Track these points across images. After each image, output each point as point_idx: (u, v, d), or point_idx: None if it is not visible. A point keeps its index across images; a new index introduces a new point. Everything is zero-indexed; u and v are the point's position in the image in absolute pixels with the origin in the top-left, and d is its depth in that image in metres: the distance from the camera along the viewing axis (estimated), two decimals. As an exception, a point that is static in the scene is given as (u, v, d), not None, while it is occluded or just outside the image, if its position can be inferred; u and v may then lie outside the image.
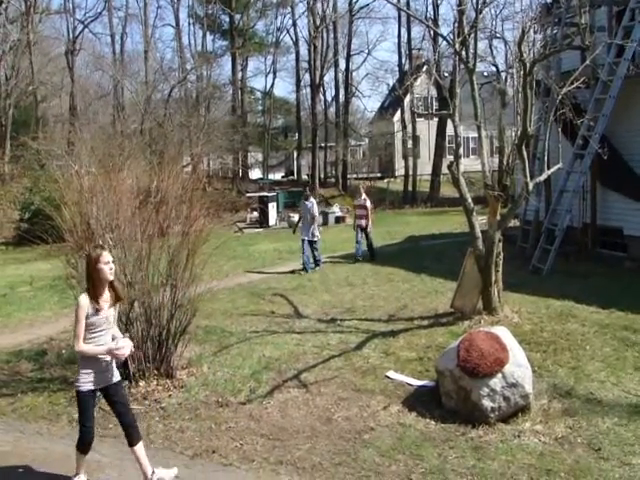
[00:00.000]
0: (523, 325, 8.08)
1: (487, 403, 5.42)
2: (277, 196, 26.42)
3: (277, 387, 6.37)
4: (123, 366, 6.46)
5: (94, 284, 4.42)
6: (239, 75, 38.79)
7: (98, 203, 7.07)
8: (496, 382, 5.47)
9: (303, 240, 13.04)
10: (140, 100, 31.58)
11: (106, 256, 4.46)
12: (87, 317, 4.36)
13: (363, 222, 14.07)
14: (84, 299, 4.38)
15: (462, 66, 9.91)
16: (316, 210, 13.45)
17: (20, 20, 33.47)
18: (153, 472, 4.54)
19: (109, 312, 4.50)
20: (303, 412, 5.80)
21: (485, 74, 32.05)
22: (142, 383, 6.34)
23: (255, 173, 42.73)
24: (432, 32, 22.97)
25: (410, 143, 36.07)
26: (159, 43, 56.39)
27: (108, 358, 4.49)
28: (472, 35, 9.20)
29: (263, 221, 24.32)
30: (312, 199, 13.74)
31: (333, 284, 11.55)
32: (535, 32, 15.29)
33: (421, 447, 5.04)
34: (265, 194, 26.09)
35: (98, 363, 4.45)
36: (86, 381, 4.43)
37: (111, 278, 4.48)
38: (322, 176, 37.83)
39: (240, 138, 33.03)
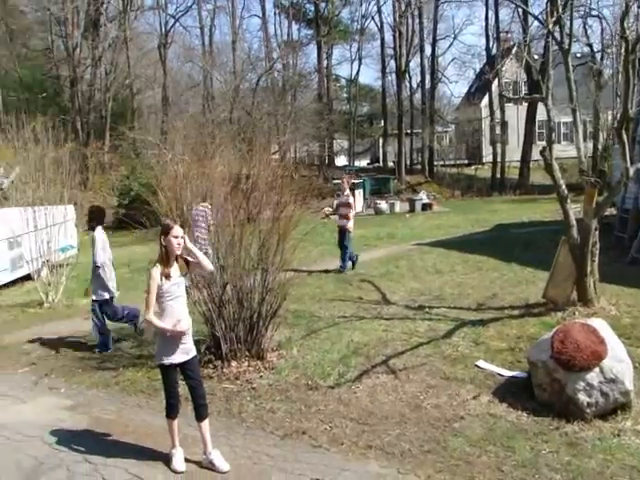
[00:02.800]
0: (622, 318, 7.71)
1: (583, 398, 5.22)
2: (363, 183, 26.41)
3: (366, 372, 6.39)
4: (216, 347, 6.72)
5: (164, 255, 4.67)
6: (324, 63, 38.97)
7: (192, 189, 7.32)
8: (593, 376, 5.26)
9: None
10: (229, 90, 32.34)
11: (176, 230, 4.67)
12: (160, 286, 4.62)
13: (346, 223, 11.84)
14: (155, 270, 4.63)
15: (555, 47, 9.49)
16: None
17: (118, 18, 35.07)
18: (210, 452, 4.73)
19: (180, 279, 4.74)
20: (392, 398, 5.80)
21: (578, 55, 30.56)
22: (234, 363, 6.54)
23: (341, 160, 42.81)
24: (522, 13, 22.07)
25: (498, 129, 35.03)
26: (246, 34, 57.43)
27: (186, 332, 4.72)
28: (566, 14, 8.79)
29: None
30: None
31: (421, 271, 11.45)
32: (639, 7, 14.42)
33: (513, 439, 4.92)
34: (352, 181, 26.06)
35: (176, 337, 4.67)
36: (166, 355, 4.67)
37: (178, 252, 4.70)
38: (408, 163, 37.43)
39: (326, 125, 33.21)
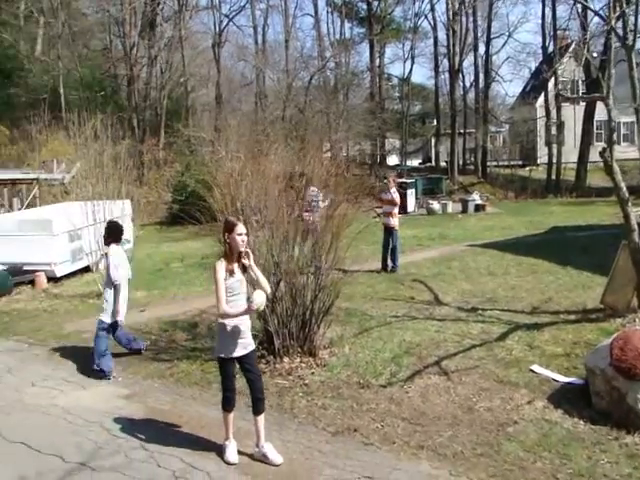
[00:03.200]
0: (686, 327, 7.43)
1: (645, 408, 5.06)
2: (415, 183, 26.20)
3: (418, 372, 6.36)
4: (268, 342, 6.79)
5: (228, 252, 4.74)
6: (377, 62, 38.74)
7: (247, 186, 7.41)
8: (656, 386, 5.09)
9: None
10: (281, 88, 32.56)
11: (240, 228, 4.74)
12: (223, 282, 4.67)
13: (392, 221, 11.92)
14: (219, 264, 4.71)
15: (617, 44, 9.20)
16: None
17: (173, 18, 35.81)
18: (263, 445, 4.78)
19: (242, 277, 4.79)
20: (444, 399, 5.75)
21: (640, 51, 29.53)
22: (286, 359, 6.60)
23: (392, 159, 42.56)
24: (581, 9, 21.46)
25: (554, 129, 34.15)
26: (299, 32, 57.70)
27: (244, 327, 4.79)
28: (630, 8, 8.49)
29: (401, 207, 24.08)
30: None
31: (473, 272, 11.31)
32: None
33: (569, 447, 4.80)
34: (403, 180, 25.95)
35: (236, 331, 4.73)
36: (226, 348, 4.74)
37: (242, 249, 4.74)
38: (461, 163, 36.93)
39: (378, 124, 33.03)
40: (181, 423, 5.48)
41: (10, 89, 33.50)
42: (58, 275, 12.61)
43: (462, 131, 37.23)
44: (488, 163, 35.97)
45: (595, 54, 27.28)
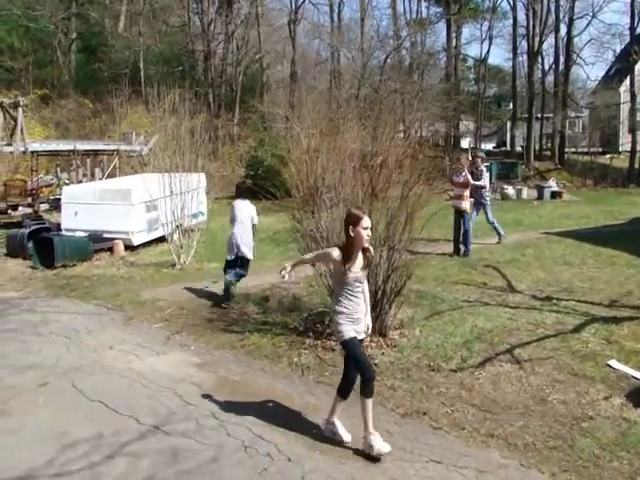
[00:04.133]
0: None
1: None
2: (490, 167, 25.51)
3: (489, 359, 6.23)
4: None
5: (349, 246, 4.48)
6: (453, 42, 37.79)
7: (322, 163, 7.41)
8: None
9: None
10: (356, 67, 32.30)
11: (366, 221, 4.46)
12: (342, 275, 4.50)
13: (461, 203, 11.69)
14: (336, 252, 4.49)
15: None
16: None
17: (250, -5, 36.07)
18: (371, 433, 4.56)
19: (362, 274, 4.61)
20: (516, 388, 5.62)
21: None
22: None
23: (466, 142, 41.64)
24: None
25: (639, 116, 32.45)
26: (375, 11, 56.87)
27: (361, 312, 4.67)
28: None
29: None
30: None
31: (549, 261, 10.93)
32: None
33: (649, 448, 4.62)
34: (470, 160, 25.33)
35: (354, 315, 4.59)
36: (347, 329, 4.56)
37: (366, 245, 4.52)
38: (537, 148, 35.70)
39: (453, 106, 32.31)
40: (251, 394, 5.57)
41: (95, 64, 34.74)
42: (135, 244, 13.09)
43: (539, 115, 35.88)
44: (566, 149, 34.57)
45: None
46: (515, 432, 4.85)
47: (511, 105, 38.75)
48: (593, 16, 36.74)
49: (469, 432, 4.86)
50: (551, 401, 5.38)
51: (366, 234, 4.45)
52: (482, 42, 39.90)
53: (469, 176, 11.85)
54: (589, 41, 49.24)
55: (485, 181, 12.69)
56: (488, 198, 13.05)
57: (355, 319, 4.60)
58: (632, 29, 34.10)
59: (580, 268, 10.30)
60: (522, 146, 35.10)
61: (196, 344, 7.03)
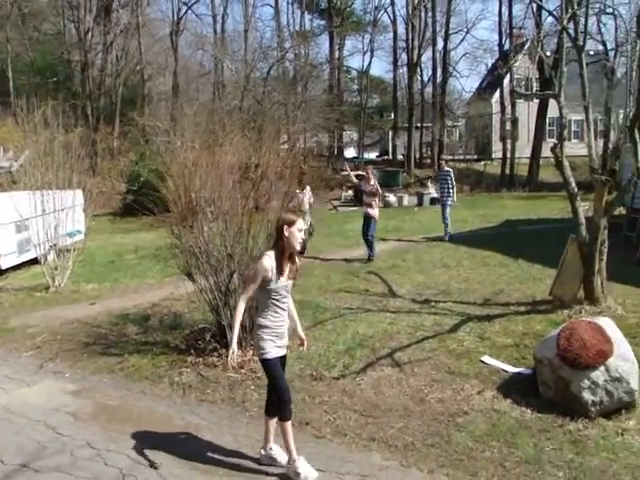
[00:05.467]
0: (628, 318, 7.65)
1: (588, 396, 5.20)
2: (360, 177, 26.27)
3: (370, 364, 6.39)
4: (221, 335, 6.72)
5: (283, 249, 4.34)
6: (336, 54, 38.76)
7: (201, 176, 7.30)
8: (598, 375, 5.23)
9: None
10: (240, 78, 32.24)
11: (301, 223, 4.41)
12: (269, 282, 4.30)
13: (371, 211, 12.34)
14: (267, 260, 4.29)
15: (569, 44, 9.42)
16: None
17: (130, 4, 35.04)
18: (270, 448, 4.54)
19: (289, 282, 4.45)
20: (396, 391, 5.80)
21: (591, 52, 30.27)
22: (239, 352, 6.50)
23: (349, 152, 42.69)
24: (536, 8, 21.91)
25: (509, 125, 34.82)
26: (258, 22, 57.07)
27: (285, 325, 4.52)
28: (581, 10, 8.70)
29: (357, 200, 24.20)
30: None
31: (428, 265, 11.42)
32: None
33: (516, 435, 4.91)
34: (360, 173, 25.98)
35: (278, 330, 4.43)
36: (270, 347, 4.38)
37: (299, 248, 4.41)
38: (417, 156, 37.28)
39: (336, 117, 33.05)
40: (130, 419, 5.37)
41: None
42: (4, 267, 12.21)
43: (419, 125, 37.60)
44: (444, 157, 36.39)
45: (549, 53, 27.88)
46: (395, 434, 4.99)
47: (392, 115, 40.26)
48: (467, 32, 39.21)
49: (351, 438, 4.94)
50: (429, 400, 5.59)
51: (300, 236, 4.37)
52: (364, 54, 41.30)
53: (377, 185, 12.46)
54: (464, 55, 52.77)
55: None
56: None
57: (280, 333, 4.46)
58: (500, 45, 36.60)
59: (457, 270, 10.83)
60: (403, 154, 36.52)
61: (71, 370, 6.66)
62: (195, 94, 34.57)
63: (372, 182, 12.53)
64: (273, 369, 4.41)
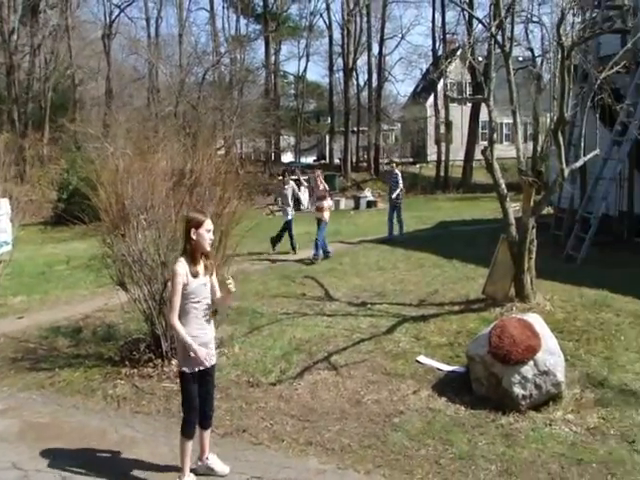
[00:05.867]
0: (556, 313, 7.95)
1: (518, 390, 5.37)
2: (309, 180, 26.41)
3: (307, 369, 6.40)
4: (156, 345, 6.61)
5: (193, 251, 4.22)
6: (272, 59, 38.81)
7: (133, 184, 7.15)
8: (528, 369, 5.42)
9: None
10: (174, 83, 31.81)
11: (209, 223, 4.27)
12: (185, 286, 4.19)
13: (319, 214, 13.03)
14: (180, 266, 4.18)
15: (497, 50, 9.74)
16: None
17: (59, 5, 33.98)
18: (207, 457, 4.51)
19: (206, 279, 4.31)
20: (333, 394, 5.83)
21: (520, 59, 31.37)
22: (174, 361, 6.41)
23: (287, 157, 42.76)
24: (467, 15, 22.62)
25: (443, 128, 35.69)
26: (193, 27, 56.60)
27: (210, 335, 4.37)
28: (508, 18, 9.01)
29: (295, 204, 24.21)
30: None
31: (364, 267, 11.52)
32: (574, 15, 14.93)
33: (451, 432, 5.02)
34: (297, 177, 26.08)
35: (203, 339, 4.26)
36: (190, 361, 4.22)
37: (209, 249, 4.32)
38: (354, 160, 37.70)
39: (273, 121, 33.08)
40: (61, 436, 5.18)
41: None
42: None
43: (355, 129, 38.09)
44: (380, 160, 36.96)
45: (480, 58, 28.73)
46: (332, 437, 5.02)
47: (329, 119, 40.60)
48: (402, 37, 40.25)
49: (288, 443, 4.94)
50: (366, 402, 5.65)
51: (209, 237, 4.26)
52: (300, 59, 41.67)
53: (327, 187, 13.23)
54: (399, 60, 53.64)
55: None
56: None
57: (204, 343, 4.26)
58: (434, 51, 37.48)
59: (392, 272, 10.98)
60: (340, 159, 36.89)
61: (-3, 389, 6.38)
62: (129, 99, 33.92)
63: (321, 186, 13.13)
64: (187, 384, 4.29)
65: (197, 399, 4.32)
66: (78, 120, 28.61)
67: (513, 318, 6.16)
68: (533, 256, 8.52)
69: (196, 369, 4.26)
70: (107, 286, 7.88)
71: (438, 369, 6.33)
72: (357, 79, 39.90)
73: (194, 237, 4.19)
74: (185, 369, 4.26)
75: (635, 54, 12.10)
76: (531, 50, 30.76)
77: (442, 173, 34.19)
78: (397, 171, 15.78)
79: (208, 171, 7.28)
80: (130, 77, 37.33)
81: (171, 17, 66.82)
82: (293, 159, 40.55)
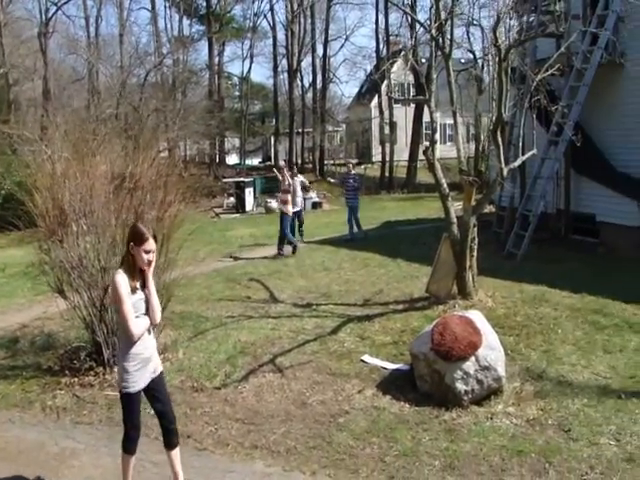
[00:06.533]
0: (497, 309, 8.17)
1: (460, 386, 5.48)
2: (254, 181, 26.31)
3: (252, 372, 6.38)
4: (97, 353, 6.45)
5: (131, 264, 4.03)
6: (216, 60, 38.42)
7: (71, 188, 6.97)
8: (469, 365, 5.53)
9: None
10: (115, 84, 31.11)
11: (150, 244, 4.02)
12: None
13: (283, 207, 13.89)
14: (121, 277, 3.96)
15: (439, 52, 9.94)
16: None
17: (-10, 0, 32.70)
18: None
19: (144, 294, 4.11)
20: (278, 396, 5.83)
21: (462, 61, 32.10)
22: (116, 369, 6.29)
23: (232, 159, 42.45)
24: (410, 18, 22.99)
25: (387, 129, 36.11)
26: (134, 27, 55.50)
27: (152, 347, 4.19)
28: (448, 21, 9.20)
29: (239, 206, 24.30)
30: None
31: (309, 269, 11.55)
32: (510, 18, 15.40)
33: (395, 430, 5.09)
34: (242, 179, 26.01)
35: (144, 354, 4.08)
36: (135, 380, 4.03)
37: (145, 268, 4.05)
38: (299, 162, 37.74)
39: (217, 123, 32.75)
40: (-4, 450, 5.01)
41: None
42: None
43: (300, 130, 38.11)
44: (325, 162, 37.15)
45: (424, 60, 29.25)
46: (277, 439, 5.01)
47: (274, 121, 40.53)
48: (346, 39, 40.40)
49: (233, 447, 4.91)
50: (311, 403, 5.67)
51: (147, 258, 4.01)
52: (244, 60, 41.27)
53: (291, 181, 13.96)
54: (343, 61, 54.32)
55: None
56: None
57: (145, 359, 4.08)
58: (377, 52, 37.88)
59: (338, 273, 11.05)
60: (285, 160, 36.83)
61: None
62: (68, 101, 32.82)
63: (287, 181, 13.99)
64: (131, 405, 4.11)
65: (139, 416, 4.18)
66: (13, 122, 27.62)
67: (455, 315, 6.28)
68: (475, 254, 8.72)
69: (142, 386, 4.09)
70: (46, 294, 7.65)
71: (383, 368, 6.40)
72: (302, 80, 40.00)
73: (132, 252, 4.02)
74: (130, 390, 4.05)
75: (568, 58, 12.56)
76: (472, 52, 31.63)
77: (387, 173, 34.57)
78: (354, 172, 16.24)
79: (149, 174, 7.16)
80: (69, 78, 36.19)
81: (111, 16, 65.20)
82: (238, 161, 40.30)
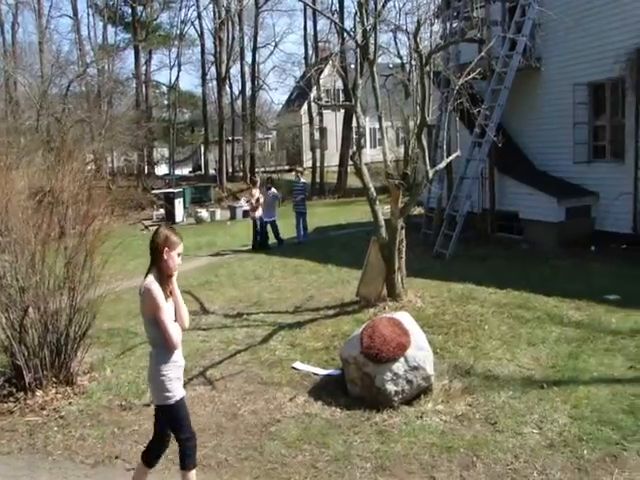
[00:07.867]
0: (426, 309, 8.34)
1: (391, 387, 5.55)
2: (184, 192, 25.94)
3: (183, 385, 6.25)
4: (17, 377, 6.17)
5: (165, 270, 3.88)
6: (143, 69, 37.77)
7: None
8: (399, 366, 5.60)
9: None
10: (35, 95, 30.02)
11: (182, 247, 3.96)
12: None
13: (254, 214, 15.63)
14: (156, 285, 3.80)
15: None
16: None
17: None
18: None
19: (172, 300, 3.98)
20: (209, 409, 5.75)
21: (390, 66, 32.74)
22: (39, 393, 6.05)
23: (162, 169, 41.75)
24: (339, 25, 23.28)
25: (317, 135, 36.37)
26: (55, 34, 53.75)
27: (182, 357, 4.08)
28: (373, 28, 9.35)
29: (169, 218, 23.85)
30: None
31: (240, 278, 11.48)
32: (432, 24, 15.84)
33: (327, 435, 5.10)
34: (171, 190, 25.56)
35: (179, 362, 4.03)
36: (177, 386, 3.98)
37: (174, 273, 3.95)
38: (230, 170, 37.51)
39: (144, 133, 32.16)
40: None
41: None
42: None
43: (231, 138, 37.93)
44: (256, 169, 37.07)
45: (352, 66, 29.63)
46: (209, 453, 4.94)
47: (203, 130, 40.12)
48: (275, 45, 40.58)
49: (164, 464, 4.79)
50: (242, 414, 5.62)
51: (179, 262, 3.95)
52: (171, 68, 40.79)
53: (259, 196, 15.35)
54: (273, 68, 54.56)
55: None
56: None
57: (181, 367, 4.04)
58: (306, 59, 38.16)
59: (269, 281, 11.03)
60: (215, 169, 36.56)
61: None
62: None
63: (254, 192, 15.58)
64: (184, 410, 4.05)
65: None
66: None
67: (383, 318, 6.35)
68: (403, 256, 8.88)
69: (183, 393, 4.03)
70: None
71: (314, 374, 6.42)
72: (231, 88, 39.89)
73: (165, 257, 3.86)
74: (176, 398, 3.96)
75: (489, 62, 13.04)
76: (400, 58, 32.31)
77: (318, 179, 34.82)
78: (303, 180, 17.06)
79: (72, 188, 6.95)
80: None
81: (29, 23, 62.96)
82: (168, 171, 39.65)
